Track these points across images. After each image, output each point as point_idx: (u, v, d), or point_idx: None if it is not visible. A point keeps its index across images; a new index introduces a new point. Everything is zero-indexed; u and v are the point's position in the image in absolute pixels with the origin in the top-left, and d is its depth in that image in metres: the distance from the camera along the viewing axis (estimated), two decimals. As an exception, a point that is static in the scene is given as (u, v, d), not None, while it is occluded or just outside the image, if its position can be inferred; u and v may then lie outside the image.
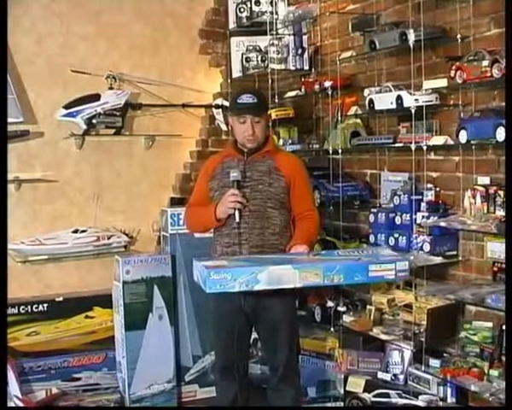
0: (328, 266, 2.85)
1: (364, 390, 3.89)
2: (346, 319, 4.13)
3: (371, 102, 4.01)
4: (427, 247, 3.71)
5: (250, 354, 3.78)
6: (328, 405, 4.23)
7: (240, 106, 3.37)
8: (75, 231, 4.57)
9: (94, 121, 4.59)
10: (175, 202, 4.90)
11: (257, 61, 4.88)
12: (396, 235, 3.91)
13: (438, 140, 3.64)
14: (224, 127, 5.08)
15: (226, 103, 4.91)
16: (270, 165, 3.40)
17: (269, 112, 4.11)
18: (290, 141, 4.69)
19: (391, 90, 3.84)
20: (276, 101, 4.62)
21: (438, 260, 3.69)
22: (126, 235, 4.76)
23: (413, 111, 3.61)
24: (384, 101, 3.90)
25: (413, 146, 3.63)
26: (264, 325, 3.45)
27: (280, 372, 3.45)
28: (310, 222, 3.40)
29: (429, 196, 3.80)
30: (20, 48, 4.41)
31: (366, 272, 2.87)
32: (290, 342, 3.45)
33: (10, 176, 4.30)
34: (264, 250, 3.33)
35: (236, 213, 3.28)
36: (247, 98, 3.36)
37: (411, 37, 3.58)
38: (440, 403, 3.58)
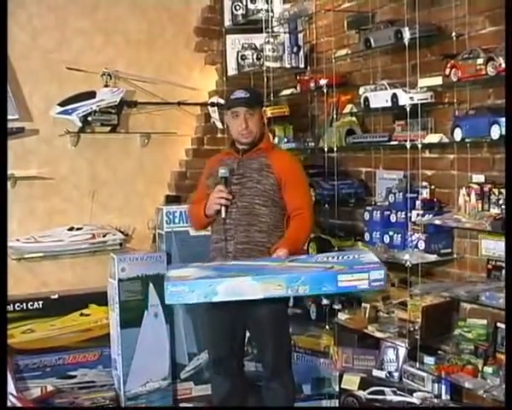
0: (291, 277, 2.76)
1: (359, 388, 3.90)
2: (341, 316, 4.13)
3: (366, 100, 4.01)
4: (421, 245, 3.71)
5: (245, 351, 3.77)
6: (323, 402, 4.24)
7: (232, 101, 3.43)
8: (71, 229, 4.57)
9: (89, 119, 4.59)
10: (170, 200, 4.90)
11: (252, 59, 4.87)
12: (391, 233, 3.91)
13: (433, 138, 3.64)
14: (219, 125, 5.08)
15: (222, 101, 4.91)
16: (262, 162, 3.41)
17: (264, 109, 4.12)
18: (285, 139, 4.70)
19: (386, 89, 3.84)
20: (272, 99, 4.62)
21: (433, 257, 3.70)
22: (122, 232, 4.76)
23: (408, 109, 3.61)
24: (379, 99, 3.90)
25: (408, 144, 3.63)
26: (252, 324, 3.46)
27: (270, 371, 3.46)
28: (299, 223, 3.37)
29: (424, 193, 3.80)
30: (15, 43, 4.40)
31: (335, 283, 2.75)
32: (279, 342, 3.44)
33: (6, 173, 4.30)
34: (249, 247, 3.34)
35: (222, 209, 3.32)
36: (239, 93, 3.41)
37: (406, 35, 3.58)
38: (435, 400, 3.59)
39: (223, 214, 3.32)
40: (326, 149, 4.26)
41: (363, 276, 2.76)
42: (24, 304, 4.32)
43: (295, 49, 4.78)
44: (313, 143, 4.51)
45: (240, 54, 4.92)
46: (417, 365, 3.64)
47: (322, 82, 4.28)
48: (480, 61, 3.23)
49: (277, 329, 3.43)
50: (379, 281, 2.78)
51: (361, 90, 4.10)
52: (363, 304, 4.10)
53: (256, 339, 3.57)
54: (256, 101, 3.49)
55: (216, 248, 3.42)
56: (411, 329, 3.67)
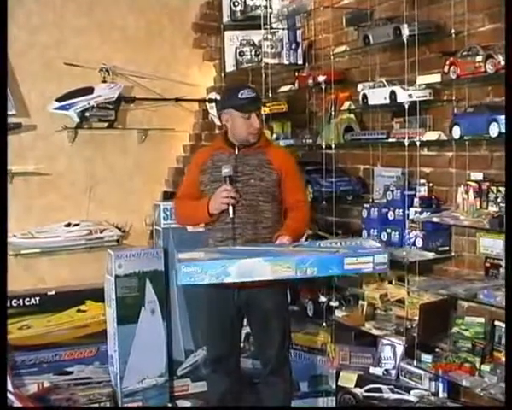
0: (300, 260, 2.85)
1: (356, 385, 3.89)
2: (339, 314, 4.14)
3: (365, 97, 4.01)
4: (419, 242, 3.71)
5: (242, 348, 3.78)
6: (320, 400, 4.23)
7: (245, 101, 3.31)
8: (68, 225, 4.56)
9: (87, 114, 4.58)
10: (168, 196, 4.88)
11: (251, 55, 4.87)
12: (389, 230, 3.92)
13: (431, 136, 3.64)
14: (217, 121, 5.06)
15: (220, 98, 4.90)
16: (261, 158, 3.40)
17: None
18: (283, 136, 4.70)
19: (384, 86, 3.84)
20: (270, 95, 4.61)
21: (430, 255, 3.70)
22: (119, 229, 4.75)
23: (406, 106, 3.61)
24: (377, 96, 3.90)
25: (406, 141, 3.63)
26: (255, 319, 3.48)
27: (271, 366, 3.47)
28: (299, 213, 3.41)
29: (422, 191, 3.79)
30: (13, 40, 4.36)
31: (341, 265, 2.88)
32: (281, 336, 3.46)
33: (3, 169, 4.29)
34: (257, 244, 3.33)
35: (230, 208, 3.29)
36: (248, 93, 3.33)
37: (405, 32, 3.57)
38: (432, 398, 3.59)
39: (231, 214, 3.30)
40: (324, 146, 4.25)
41: (367, 259, 2.91)
42: (21, 300, 4.30)
43: (294, 46, 4.78)
44: (311, 140, 4.50)
45: (238, 50, 4.91)
46: (414, 362, 3.64)
47: (321, 79, 4.28)
48: (478, 58, 3.23)
49: (280, 323, 3.45)
50: (382, 264, 2.93)
51: (359, 87, 4.10)
52: (360, 301, 4.10)
53: (260, 335, 3.55)
54: (260, 98, 3.48)
55: (220, 246, 3.37)
56: (409, 326, 3.68)
